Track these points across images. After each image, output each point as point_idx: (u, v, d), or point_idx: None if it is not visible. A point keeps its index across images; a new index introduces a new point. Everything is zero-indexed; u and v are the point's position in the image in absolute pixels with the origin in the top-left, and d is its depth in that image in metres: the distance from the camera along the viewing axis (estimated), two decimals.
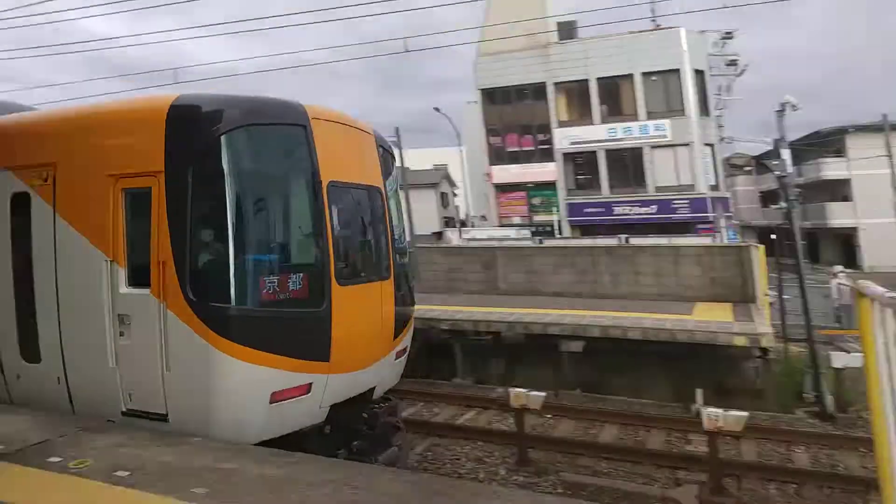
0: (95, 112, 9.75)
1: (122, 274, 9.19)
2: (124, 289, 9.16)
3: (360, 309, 9.89)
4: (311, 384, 9.16)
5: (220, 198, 8.66)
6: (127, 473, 7.92)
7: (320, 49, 27.51)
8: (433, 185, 67.15)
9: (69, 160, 9.68)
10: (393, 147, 12.44)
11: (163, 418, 9.00)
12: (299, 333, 9.00)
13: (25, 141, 10.17)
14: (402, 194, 14.72)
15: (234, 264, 8.65)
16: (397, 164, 12.56)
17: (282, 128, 9.36)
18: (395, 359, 10.92)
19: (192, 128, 8.88)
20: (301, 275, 9.21)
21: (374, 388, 10.54)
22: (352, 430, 10.32)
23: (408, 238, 15.60)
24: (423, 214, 55.01)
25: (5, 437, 9.04)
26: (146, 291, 8.92)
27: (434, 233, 42.99)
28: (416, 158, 68.59)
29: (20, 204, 10.02)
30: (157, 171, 8.86)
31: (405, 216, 20.82)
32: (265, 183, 9.22)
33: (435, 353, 20.88)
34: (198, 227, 8.73)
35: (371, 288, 10.22)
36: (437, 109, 50.64)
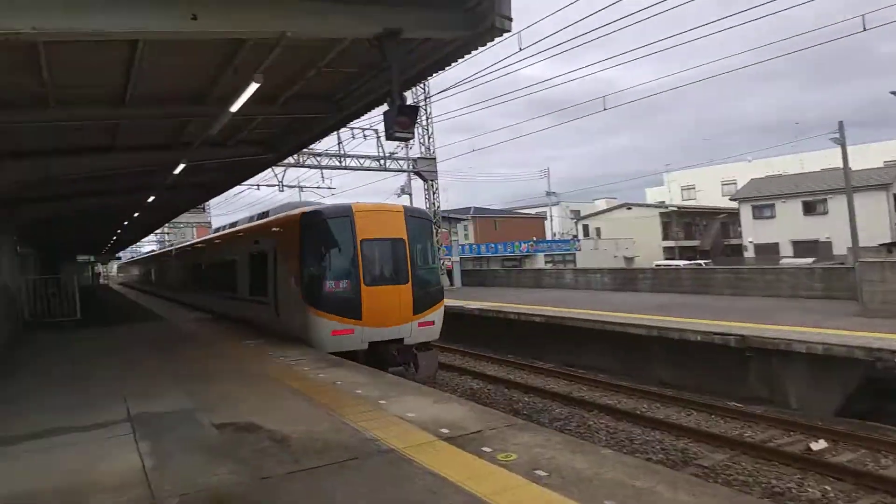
0: (286, 218, 21.62)
1: (294, 280, 20.24)
2: (294, 287, 20.16)
3: (380, 298, 19.67)
4: (353, 329, 19.26)
5: (306, 251, 19.95)
6: (545, 474, 8.66)
7: (739, 53, 27.79)
8: (883, 187, 58.58)
9: (280, 237, 21.64)
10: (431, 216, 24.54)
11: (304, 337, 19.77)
12: (345, 306, 19.26)
13: (276, 228, 22.14)
14: (434, 238, 22.68)
15: (316, 277, 19.61)
16: (432, 224, 22.65)
17: (336, 218, 20.04)
18: (419, 326, 20.29)
19: (300, 222, 20.24)
20: (346, 281, 19.49)
21: (402, 339, 19.95)
22: (387, 358, 19.53)
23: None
24: (866, 221, 50.34)
25: (450, 424, 10.69)
26: (298, 289, 19.96)
27: (883, 244, 40.19)
28: (858, 155, 62.44)
29: (269, 253, 22.37)
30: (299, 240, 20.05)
31: None
32: (330, 242, 19.83)
33: (884, 393, 17.43)
34: (306, 263, 19.79)
35: (389, 288, 19.90)
36: (895, 93, 46.94)
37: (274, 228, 22.35)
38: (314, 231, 20.10)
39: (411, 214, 21.34)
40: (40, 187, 22.17)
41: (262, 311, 22.89)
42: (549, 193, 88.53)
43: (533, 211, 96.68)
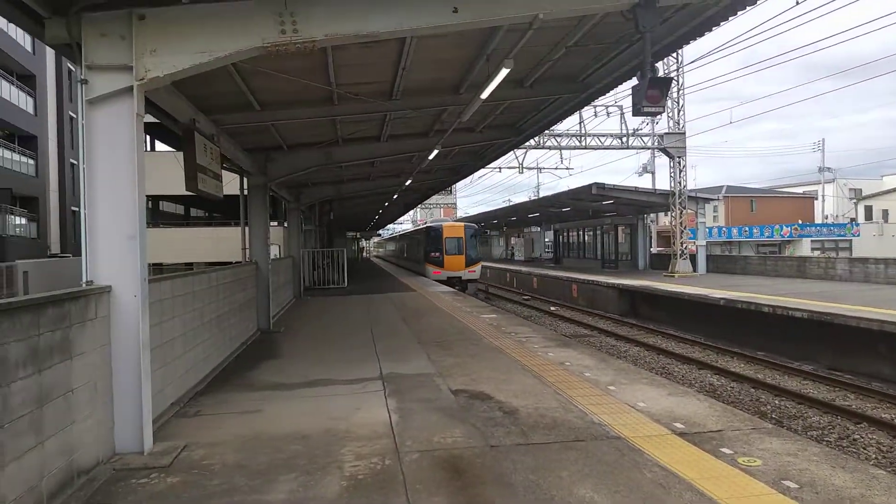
0: (423, 228, 55.30)
1: (424, 251, 50.50)
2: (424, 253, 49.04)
3: (453, 260, 46.61)
4: (441, 271, 46.42)
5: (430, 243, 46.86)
6: (795, 486, 8.01)
7: None
8: None
9: (418, 234, 56.42)
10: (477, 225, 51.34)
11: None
12: (437, 262, 46.81)
13: (418, 230, 57.44)
14: (477, 236, 48.47)
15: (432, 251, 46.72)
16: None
17: (437, 229, 48.06)
18: (468, 272, 46.50)
19: (428, 232, 47.94)
20: (439, 252, 47.08)
21: (461, 277, 46.10)
22: (455, 284, 44.72)
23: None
24: None
25: (685, 419, 10.31)
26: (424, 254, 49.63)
27: None
28: None
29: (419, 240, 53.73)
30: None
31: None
32: (440, 239, 47.04)
33: None
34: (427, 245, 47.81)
35: (457, 257, 46.75)
36: None
37: (418, 230, 56.74)
38: (431, 234, 48.16)
39: (466, 226, 48.57)
40: (322, 172, 25.87)
41: (416, 263, 54.63)
42: (822, 169, 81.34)
43: (800, 190, 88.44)
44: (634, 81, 11.93)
